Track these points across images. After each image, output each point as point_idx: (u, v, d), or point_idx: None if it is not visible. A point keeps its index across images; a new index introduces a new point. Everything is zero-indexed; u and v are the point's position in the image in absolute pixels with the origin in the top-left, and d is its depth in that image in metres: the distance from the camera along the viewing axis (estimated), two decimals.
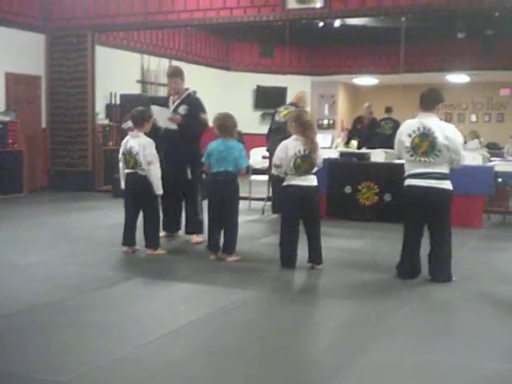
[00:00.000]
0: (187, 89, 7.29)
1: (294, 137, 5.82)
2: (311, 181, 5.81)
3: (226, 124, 6.13)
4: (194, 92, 7.59)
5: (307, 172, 5.77)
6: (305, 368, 3.51)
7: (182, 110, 7.01)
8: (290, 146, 5.78)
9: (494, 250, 7.10)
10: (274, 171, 6.09)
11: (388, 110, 12.44)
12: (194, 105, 7.09)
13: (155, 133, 6.96)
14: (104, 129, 12.74)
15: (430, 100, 5.54)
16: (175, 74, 7.22)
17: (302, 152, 5.72)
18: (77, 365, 3.48)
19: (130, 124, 6.97)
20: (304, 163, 5.74)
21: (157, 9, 11.54)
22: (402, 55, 13.38)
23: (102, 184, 12.21)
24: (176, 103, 7.11)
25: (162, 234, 7.08)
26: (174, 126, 6.90)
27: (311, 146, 5.71)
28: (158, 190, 6.41)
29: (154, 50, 14.87)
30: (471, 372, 3.51)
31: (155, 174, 6.36)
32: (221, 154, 6.07)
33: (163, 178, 6.47)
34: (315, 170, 5.82)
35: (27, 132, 11.77)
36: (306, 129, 5.75)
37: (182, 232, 7.24)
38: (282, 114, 8.96)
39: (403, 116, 10.49)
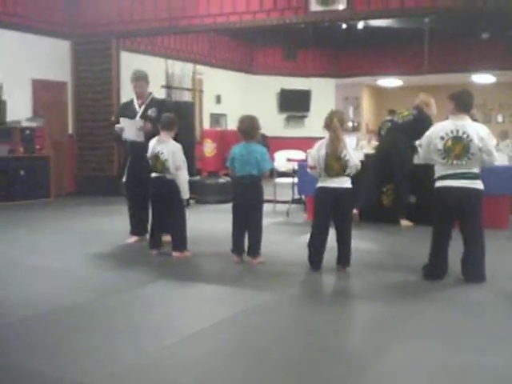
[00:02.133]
0: (151, 92, 7.43)
1: (326, 137, 5.82)
2: (343, 183, 5.78)
3: (248, 127, 6.15)
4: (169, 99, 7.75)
5: (340, 174, 5.75)
6: (329, 367, 3.52)
7: (152, 112, 7.10)
8: (323, 147, 5.79)
9: None
10: (308, 171, 6.09)
11: (391, 112, 12.42)
12: (161, 106, 7.20)
13: (121, 140, 7.27)
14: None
15: (467, 103, 5.51)
16: (140, 78, 7.32)
17: (330, 154, 5.71)
18: (102, 366, 3.51)
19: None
20: (335, 164, 5.72)
21: (180, 14, 11.62)
22: (425, 56, 13.32)
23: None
24: (143, 107, 7.22)
25: (134, 238, 7.24)
26: (141, 139, 6.98)
27: (338, 147, 5.69)
28: (186, 194, 6.56)
29: (178, 55, 14.98)
30: (497, 373, 3.49)
31: (183, 178, 6.49)
32: (243, 157, 6.09)
33: (130, 183, 6.81)
34: (348, 172, 5.77)
35: (54, 138, 11.93)
36: (333, 130, 5.74)
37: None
38: (401, 115, 8.88)
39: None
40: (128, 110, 7.29)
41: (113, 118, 7.76)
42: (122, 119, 7.16)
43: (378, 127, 11.85)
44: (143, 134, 6.98)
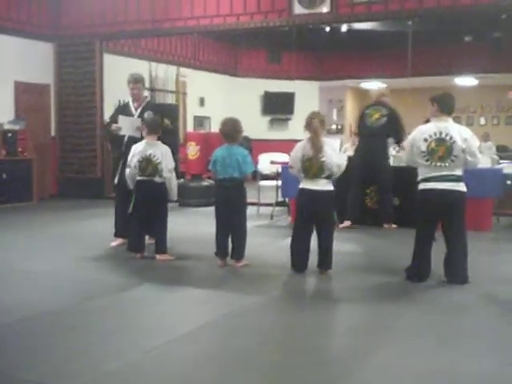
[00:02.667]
0: (146, 96, 7.52)
1: (306, 138, 5.83)
2: (321, 185, 5.78)
3: (230, 130, 6.15)
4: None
5: (317, 176, 5.75)
6: (314, 372, 3.51)
7: (148, 115, 7.09)
8: (301, 148, 5.80)
9: (503, 253, 7.08)
10: (290, 171, 6.11)
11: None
12: (156, 110, 7.20)
13: (118, 141, 7.22)
14: (107, 137, 12.76)
15: (449, 105, 5.55)
16: (137, 81, 7.33)
17: (310, 155, 5.72)
18: (85, 370, 3.49)
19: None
20: (312, 166, 5.73)
21: (164, 16, 11.59)
22: (409, 59, 13.36)
23: (111, 191, 12.23)
24: (139, 110, 7.23)
25: (118, 241, 7.21)
26: (138, 135, 6.97)
27: (319, 147, 5.70)
28: (175, 196, 6.68)
29: (162, 57, 14.92)
30: (478, 375, 3.50)
31: (174, 181, 6.57)
32: (225, 160, 6.08)
33: (122, 185, 6.82)
34: (327, 173, 5.77)
35: (36, 140, 11.83)
36: (314, 130, 5.76)
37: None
38: (373, 117, 8.74)
39: (412, 119, 10.53)
40: (124, 112, 7.30)
41: (108, 120, 7.72)
42: (120, 117, 7.16)
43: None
44: (140, 134, 6.97)
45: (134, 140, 6.87)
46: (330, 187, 5.82)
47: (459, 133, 5.38)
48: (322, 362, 3.71)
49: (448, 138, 5.34)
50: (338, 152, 5.95)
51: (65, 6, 12.39)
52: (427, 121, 5.80)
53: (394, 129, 8.63)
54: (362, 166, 8.48)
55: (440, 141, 5.36)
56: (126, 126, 7.10)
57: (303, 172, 5.79)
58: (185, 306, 4.96)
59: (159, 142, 6.49)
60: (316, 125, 5.74)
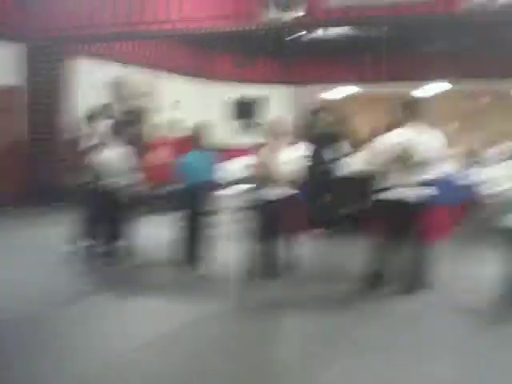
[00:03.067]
0: (126, 100, 7.38)
1: (266, 145, 5.84)
2: (284, 191, 5.79)
3: (199, 135, 6.13)
4: None
5: (278, 182, 5.75)
6: (271, 378, 3.50)
7: (116, 120, 7.04)
8: (262, 156, 5.80)
9: (462, 260, 7.10)
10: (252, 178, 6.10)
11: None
12: (132, 116, 7.14)
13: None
14: (78, 143, 12.60)
15: (418, 111, 5.55)
16: (119, 84, 7.29)
17: (269, 162, 5.72)
18: (42, 379, 3.42)
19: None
20: (271, 173, 5.74)
21: (138, 19, 11.47)
22: (383, 64, 13.44)
23: (77, 196, 12.05)
24: (116, 113, 7.18)
25: (84, 243, 7.10)
26: (107, 140, 6.90)
27: (278, 153, 5.71)
28: (135, 194, 6.69)
29: (135, 61, 14.79)
30: (432, 382, 3.48)
31: (133, 180, 6.55)
32: (193, 165, 6.04)
33: (85, 190, 6.83)
34: (288, 179, 5.78)
35: (5, 144, 11.62)
36: (274, 137, 5.78)
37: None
38: (321, 120, 8.88)
39: (380, 125, 10.56)
40: (100, 117, 7.27)
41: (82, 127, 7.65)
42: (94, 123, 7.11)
43: None
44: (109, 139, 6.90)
45: (102, 144, 6.80)
46: (291, 192, 5.83)
47: (429, 140, 5.39)
48: (278, 371, 3.69)
49: (417, 144, 5.34)
50: (299, 158, 5.95)
51: (37, 8, 12.20)
52: (388, 127, 5.82)
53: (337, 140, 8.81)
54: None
55: (409, 147, 5.35)
56: (98, 132, 7.03)
57: (264, 179, 5.78)
58: (145, 315, 4.92)
59: (120, 145, 6.41)
60: (276, 132, 5.76)
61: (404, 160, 5.35)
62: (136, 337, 4.23)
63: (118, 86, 7.34)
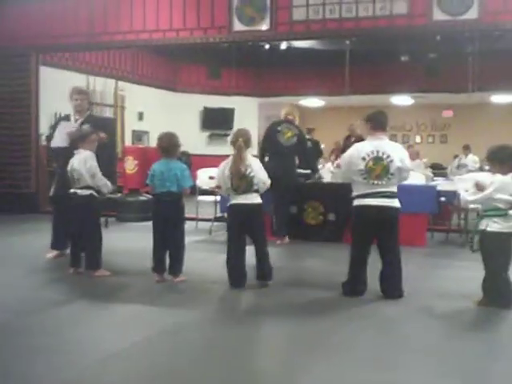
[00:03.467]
0: (89, 109, 7.48)
1: (230, 157, 5.89)
2: (252, 199, 5.84)
3: (167, 144, 6.13)
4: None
5: (247, 191, 5.80)
6: None
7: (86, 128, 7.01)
8: (227, 167, 5.84)
9: (436, 267, 7.22)
10: (217, 191, 6.14)
11: (309, 130, 12.67)
12: (96, 125, 7.05)
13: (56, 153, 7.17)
14: (48, 150, 12.53)
15: (382, 122, 5.65)
16: (82, 92, 7.39)
17: (237, 172, 5.76)
18: None
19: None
20: (240, 183, 5.78)
21: (102, 30, 11.48)
22: (346, 77, 13.58)
23: (46, 206, 11.99)
24: (79, 122, 7.15)
25: (54, 253, 7.18)
26: (64, 144, 6.92)
27: (241, 166, 5.75)
28: (108, 188, 6.55)
29: (100, 71, 14.76)
30: None
31: (101, 183, 6.42)
32: (163, 174, 6.04)
33: (59, 197, 6.77)
34: (256, 187, 5.84)
35: None
36: (237, 149, 5.82)
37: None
38: (286, 135, 8.83)
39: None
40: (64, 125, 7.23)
41: (50, 132, 7.59)
42: (62, 122, 7.17)
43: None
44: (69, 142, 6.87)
45: (66, 151, 6.78)
46: (260, 200, 5.89)
47: (396, 151, 5.49)
48: (256, 379, 3.69)
49: (385, 156, 5.43)
50: (263, 169, 6.01)
51: (1, 17, 12.13)
52: (347, 138, 5.90)
53: (302, 150, 8.89)
54: (274, 183, 8.60)
55: (377, 159, 5.44)
56: (59, 134, 7.01)
57: (233, 190, 5.82)
58: (120, 323, 4.87)
59: (82, 150, 6.40)
60: (240, 144, 5.80)
61: (369, 171, 5.43)
62: (110, 345, 4.20)
63: (84, 96, 7.27)
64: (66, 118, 7.35)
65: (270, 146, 8.94)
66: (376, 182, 5.43)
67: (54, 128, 7.36)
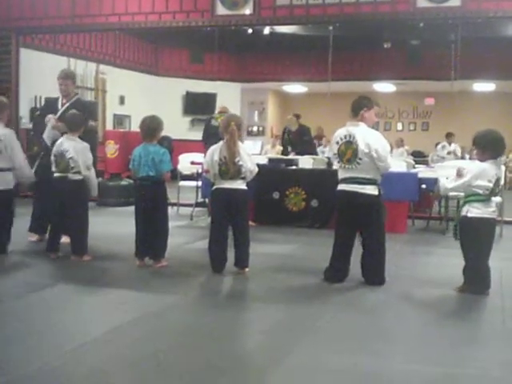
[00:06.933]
0: (77, 93, 7.38)
1: (221, 142, 5.85)
2: (239, 184, 5.82)
3: (148, 128, 6.09)
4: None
5: (234, 177, 5.79)
6: (228, 373, 3.49)
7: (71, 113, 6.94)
8: (216, 152, 5.81)
9: (417, 254, 7.27)
10: (205, 175, 6.12)
11: (296, 116, 12.68)
12: (83, 110, 6.90)
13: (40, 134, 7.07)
14: (28, 133, 12.40)
15: (354, 107, 5.68)
16: (67, 76, 7.24)
17: (226, 159, 5.74)
18: None
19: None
20: (229, 170, 5.76)
21: (84, 12, 11.36)
22: (329, 64, 13.56)
23: (26, 190, 11.88)
24: (65, 106, 7.08)
25: (35, 237, 7.18)
26: (58, 136, 6.74)
27: (235, 151, 5.73)
28: (95, 192, 6.58)
29: (81, 54, 14.65)
30: (391, 374, 3.56)
31: (93, 177, 6.45)
32: (142, 158, 6.01)
33: (41, 181, 6.72)
34: (243, 175, 5.82)
35: None
36: (230, 134, 5.78)
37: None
38: (218, 119, 8.91)
39: (332, 124, 10.69)
40: (51, 107, 7.18)
41: (38, 113, 7.51)
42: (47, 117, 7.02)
43: (282, 132, 12.00)
44: (58, 134, 6.76)
45: (54, 139, 6.71)
46: (245, 187, 5.87)
47: (363, 137, 5.49)
48: (236, 364, 3.69)
49: (354, 141, 5.48)
50: (251, 157, 6.00)
51: None
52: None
53: None
54: None
55: (348, 143, 5.51)
56: (49, 125, 6.94)
57: (220, 175, 5.80)
58: (101, 307, 4.85)
59: (76, 138, 6.35)
60: (233, 128, 5.76)
61: (341, 155, 5.48)
62: (91, 329, 4.18)
63: (68, 81, 7.17)
64: (54, 102, 7.24)
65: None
66: (347, 166, 5.49)
67: (42, 113, 7.24)
